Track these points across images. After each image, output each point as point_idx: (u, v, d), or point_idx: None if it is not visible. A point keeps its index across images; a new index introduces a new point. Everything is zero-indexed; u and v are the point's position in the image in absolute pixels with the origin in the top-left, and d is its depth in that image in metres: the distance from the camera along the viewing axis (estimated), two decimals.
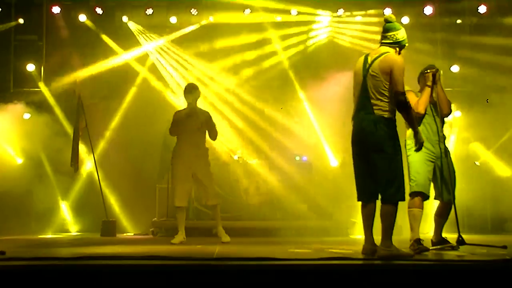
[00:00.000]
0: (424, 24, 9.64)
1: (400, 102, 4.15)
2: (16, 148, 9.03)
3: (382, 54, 4.26)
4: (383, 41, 4.36)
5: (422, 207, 4.90)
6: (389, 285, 3.16)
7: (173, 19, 9.81)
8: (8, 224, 7.85)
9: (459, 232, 4.66)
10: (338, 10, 9.80)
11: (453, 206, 4.91)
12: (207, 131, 6.49)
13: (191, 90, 6.51)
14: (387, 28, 4.36)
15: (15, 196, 8.34)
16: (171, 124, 6.48)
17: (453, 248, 4.82)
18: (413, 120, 4.31)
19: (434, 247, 4.99)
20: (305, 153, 9.43)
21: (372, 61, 4.24)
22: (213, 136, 6.52)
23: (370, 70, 4.23)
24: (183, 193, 6.29)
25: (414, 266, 3.56)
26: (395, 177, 4.15)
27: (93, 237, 7.89)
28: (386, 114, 4.16)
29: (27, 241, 6.28)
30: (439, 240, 5.07)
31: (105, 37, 9.62)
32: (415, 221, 4.86)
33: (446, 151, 5.05)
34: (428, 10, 9.58)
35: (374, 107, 4.18)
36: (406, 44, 4.38)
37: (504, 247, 4.50)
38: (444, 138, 5.11)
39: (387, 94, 4.16)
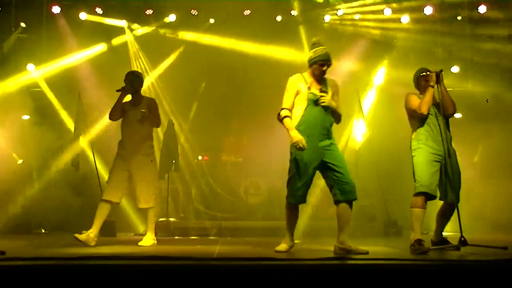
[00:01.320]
0: (424, 24, 9.64)
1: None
2: (16, 148, 9.02)
3: None
4: None
5: (424, 208, 4.86)
6: (389, 285, 3.16)
7: (172, 17, 9.81)
8: (8, 224, 7.84)
9: (461, 233, 4.64)
10: (338, 11, 9.81)
11: (457, 208, 4.87)
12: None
13: (132, 79, 5.95)
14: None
15: (15, 197, 8.34)
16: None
17: (454, 248, 4.81)
18: (287, 129, 4.68)
19: (434, 247, 4.98)
20: None
21: None
22: (156, 123, 6.05)
23: None
24: (115, 189, 5.72)
25: (414, 266, 3.56)
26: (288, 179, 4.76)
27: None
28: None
29: (27, 241, 6.27)
30: (439, 240, 5.06)
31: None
32: (416, 221, 4.83)
33: (452, 152, 4.99)
34: (428, 10, 9.59)
35: None
36: (316, 64, 4.73)
37: (505, 248, 4.49)
38: (451, 138, 5.06)
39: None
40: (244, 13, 9.61)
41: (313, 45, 4.81)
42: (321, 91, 4.74)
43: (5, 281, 3.09)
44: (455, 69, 9.62)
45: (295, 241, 4.93)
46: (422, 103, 4.96)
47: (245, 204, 8.78)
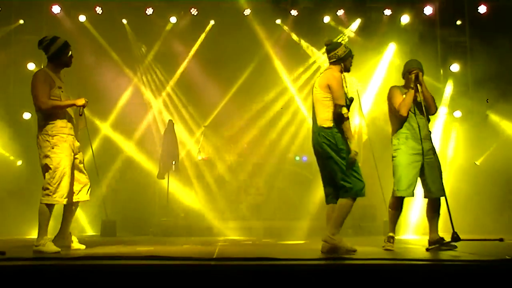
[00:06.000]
0: (424, 23, 9.66)
1: (337, 114, 4.55)
2: (16, 148, 9.02)
3: (323, 72, 4.85)
4: (329, 61, 4.83)
5: (401, 209, 5.06)
6: (388, 285, 3.16)
7: (173, 19, 9.86)
8: (8, 224, 7.84)
9: (453, 229, 4.66)
10: (338, 11, 9.83)
11: (446, 204, 4.88)
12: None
13: (70, 51, 5.06)
14: (328, 50, 4.83)
15: (15, 197, 8.33)
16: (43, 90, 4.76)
17: (451, 247, 4.81)
18: (348, 130, 4.57)
19: (431, 247, 4.97)
20: (305, 153, 9.44)
21: (316, 80, 4.82)
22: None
23: (313, 87, 4.78)
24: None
25: (413, 266, 3.56)
26: (352, 175, 4.52)
27: (93, 237, 7.88)
28: (326, 124, 4.59)
29: (27, 241, 6.27)
30: (437, 240, 5.03)
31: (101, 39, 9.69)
32: (391, 221, 5.07)
33: (432, 148, 5.08)
34: (428, 10, 9.60)
35: (317, 118, 4.66)
36: (351, 57, 4.80)
37: (501, 239, 4.52)
38: (430, 135, 5.13)
39: (325, 105, 4.61)
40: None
41: (329, 45, 4.82)
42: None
43: (5, 281, 3.09)
44: (455, 67, 9.64)
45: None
46: (401, 105, 5.03)
47: (245, 204, 8.78)
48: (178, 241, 6.48)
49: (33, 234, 7.92)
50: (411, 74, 5.09)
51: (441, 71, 9.73)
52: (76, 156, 4.97)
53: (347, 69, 4.84)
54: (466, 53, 9.72)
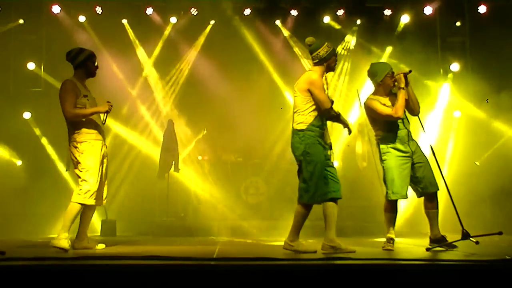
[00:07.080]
0: (424, 23, 9.66)
1: (330, 117, 4.66)
2: (16, 148, 9.01)
3: (303, 75, 4.74)
4: (312, 62, 4.76)
5: (396, 211, 5.06)
6: (389, 285, 3.16)
7: (173, 19, 9.86)
8: (8, 224, 7.84)
9: (462, 226, 4.66)
10: (338, 11, 9.82)
11: (452, 202, 4.88)
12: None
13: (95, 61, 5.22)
14: (310, 50, 4.75)
15: (15, 197, 8.33)
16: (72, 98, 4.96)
17: (451, 247, 4.81)
18: (343, 120, 4.73)
19: (432, 245, 4.97)
20: None
21: (296, 83, 4.73)
22: None
23: (293, 90, 4.75)
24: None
25: (414, 266, 3.56)
26: (308, 180, 4.58)
27: (93, 237, 7.88)
28: (299, 126, 4.60)
29: (27, 241, 6.27)
30: (439, 238, 5.02)
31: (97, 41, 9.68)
32: (389, 223, 5.05)
33: (416, 146, 5.10)
34: (428, 10, 9.60)
35: (294, 121, 4.67)
36: (334, 55, 4.73)
37: (500, 233, 4.56)
38: (411, 135, 5.14)
39: (302, 109, 4.59)
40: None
41: (311, 45, 4.75)
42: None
43: (5, 281, 3.09)
44: (455, 67, 9.63)
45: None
46: (398, 107, 4.94)
47: (245, 204, 8.79)
48: (178, 241, 6.48)
49: (33, 234, 7.96)
50: (399, 75, 5.04)
51: (441, 70, 9.73)
52: (103, 161, 5.11)
53: (331, 69, 4.78)
54: (466, 53, 9.72)
